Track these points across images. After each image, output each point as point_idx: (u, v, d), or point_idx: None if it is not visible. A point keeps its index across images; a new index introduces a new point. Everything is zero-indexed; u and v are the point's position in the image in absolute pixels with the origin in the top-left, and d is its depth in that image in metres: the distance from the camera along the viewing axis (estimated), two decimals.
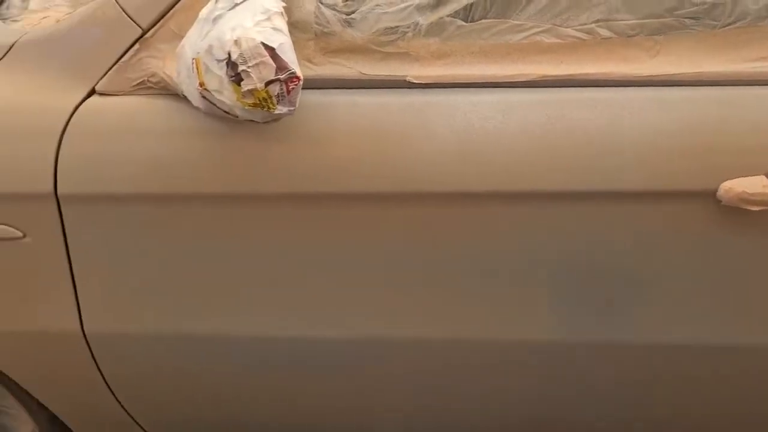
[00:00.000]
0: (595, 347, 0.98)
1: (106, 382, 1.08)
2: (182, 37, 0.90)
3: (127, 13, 0.91)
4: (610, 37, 0.88)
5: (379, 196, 0.90)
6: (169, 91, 0.91)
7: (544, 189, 0.88)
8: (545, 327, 0.97)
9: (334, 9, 0.89)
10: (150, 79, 0.91)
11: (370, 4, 0.88)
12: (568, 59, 0.89)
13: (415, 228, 0.92)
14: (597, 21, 0.88)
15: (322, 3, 0.89)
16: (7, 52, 0.95)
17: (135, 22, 0.91)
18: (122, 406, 1.12)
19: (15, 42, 0.95)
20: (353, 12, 0.89)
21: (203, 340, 1.01)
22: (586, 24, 0.88)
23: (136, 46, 0.91)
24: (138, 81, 0.92)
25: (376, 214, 0.91)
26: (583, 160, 0.87)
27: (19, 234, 0.95)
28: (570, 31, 0.88)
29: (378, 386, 1.06)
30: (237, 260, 0.95)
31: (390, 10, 0.88)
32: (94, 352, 1.04)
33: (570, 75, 0.88)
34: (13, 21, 1.05)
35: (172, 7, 0.90)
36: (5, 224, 0.95)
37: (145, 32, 0.91)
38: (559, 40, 0.89)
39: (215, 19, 0.77)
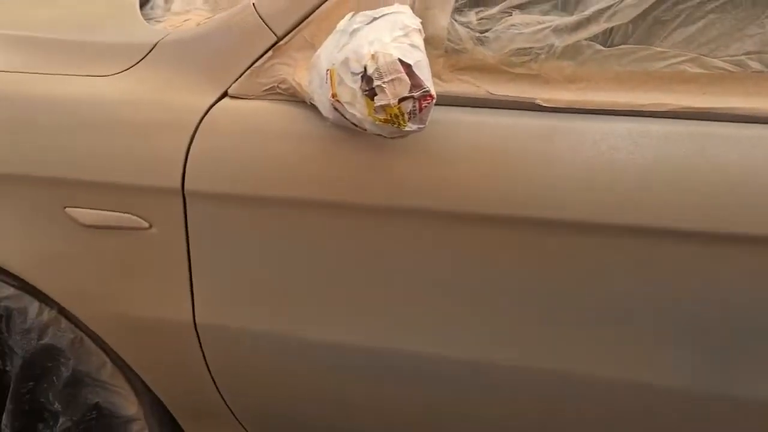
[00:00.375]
0: (714, 398, 0.92)
1: (211, 374, 1.11)
2: (315, 46, 0.92)
3: (263, 20, 0.94)
4: (762, 71, 0.83)
5: (497, 219, 0.88)
6: (298, 99, 0.93)
7: (673, 227, 0.83)
8: (669, 373, 0.91)
9: (468, 26, 0.88)
10: (280, 85, 0.93)
11: (505, 24, 0.87)
12: (712, 91, 0.84)
13: (531, 254, 0.90)
14: (748, 53, 0.83)
15: (456, 20, 0.88)
16: (150, 51, 1.00)
17: (271, 29, 0.93)
18: (222, 398, 1.15)
19: (157, 42, 1.00)
20: (487, 30, 0.88)
21: (309, 343, 1.03)
22: (735, 55, 0.83)
23: (270, 52, 0.93)
24: (268, 86, 0.94)
25: (492, 236, 0.90)
26: (720, 199, 0.82)
27: (146, 225, 1.00)
28: (717, 62, 0.83)
29: (481, 408, 1.04)
30: (349, 269, 0.96)
31: (525, 30, 0.86)
32: (202, 344, 1.08)
33: (713, 108, 0.83)
34: (156, 21, 1.11)
35: (308, 16, 0.92)
36: (133, 214, 1.00)
37: (279, 39, 0.93)
38: (704, 71, 0.84)
39: (353, 32, 0.78)
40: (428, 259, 0.93)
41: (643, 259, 0.86)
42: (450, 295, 0.95)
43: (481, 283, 0.93)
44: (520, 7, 0.87)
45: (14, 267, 1.08)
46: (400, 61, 0.73)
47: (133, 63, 1.00)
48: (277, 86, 0.93)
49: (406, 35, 0.74)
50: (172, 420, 1.24)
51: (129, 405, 1.19)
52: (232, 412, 1.18)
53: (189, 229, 0.99)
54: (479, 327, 0.96)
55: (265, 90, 0.94)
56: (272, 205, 0.94)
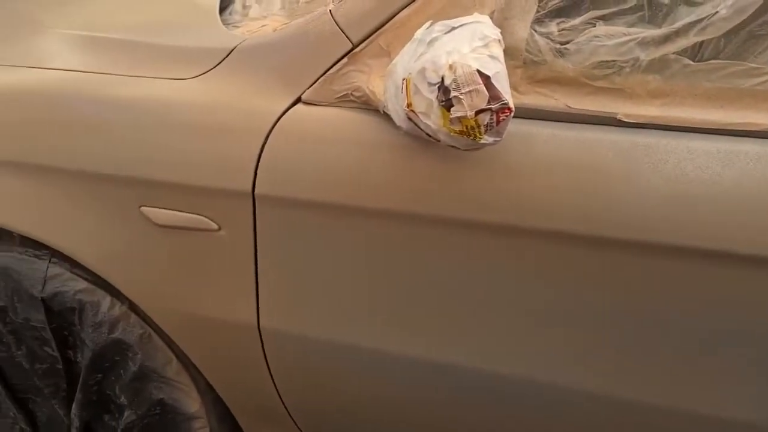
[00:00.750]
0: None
1: (272, 376, 1.12)
2: (390, 54, 0.91)
3: (339, 27, 0.93)
4: None
5: (571, 237, 0.85)
6: (371, 107, 0.92)
7: (765, 255, 0.78)
8: (739, 405, 0.87)
9: (548, 38, 0.85)
10: (354, 92, 0.93)
11: (588, 35, 0.84)
12: None
13: (605, 274, 0.86)
14: None
15: (536, 31, 0.86)
16: (227, 55, 1.01)
17: (346, 36, 0.93)
18: (282, 401, 1.15)
19: (235, 47, 1.01)
20: (568, 42, 0.85)
21: (371, 353, 1.02)
22: None
23: (345, 59, 0.93)
24: (342, 93, 0.94)
25: (566, 254, 0.87)
26: None
27: (215, 226, 1.01)
28: None
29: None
30: (415, 281, 0.95)
31: (609, 42, 0.83)
32: (264, 346, 1.08)
33: None
34: (234, 26, 1.12)
35: (384, 24, 0.91)
36: (204, 216, 1.01)
37: (354, 46, 0.93)
38: None
39: (431, 42, 0.76)
40: (499, 275, 0.90)
41: (730, 288, 0.82)
42: (518, 313, 0.93)
43: (551, 303, 0.90)
44: (604, 19, 0.84)
45: (89, 261, 1.11)
46: (479, 72, 0.71)
47: (211, 67, 1.01)
48: (351, 93, 0.93)
49: (485, 46, 0.73)
50: (232, 419, 1.26)
51: (192, 402, 1.21)
52: (290, 415, 1.18)
53: (257, 233, 1.00)
54: (551, 347, 0.93)
55: (339, 97, 0.94)
56: (341, 212, 0.94)
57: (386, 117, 0.90)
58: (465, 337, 0.96)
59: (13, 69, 1.14)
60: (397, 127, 0.87)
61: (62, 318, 1.19)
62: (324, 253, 0.98)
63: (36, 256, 1.16)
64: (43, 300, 1.17)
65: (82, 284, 1.15)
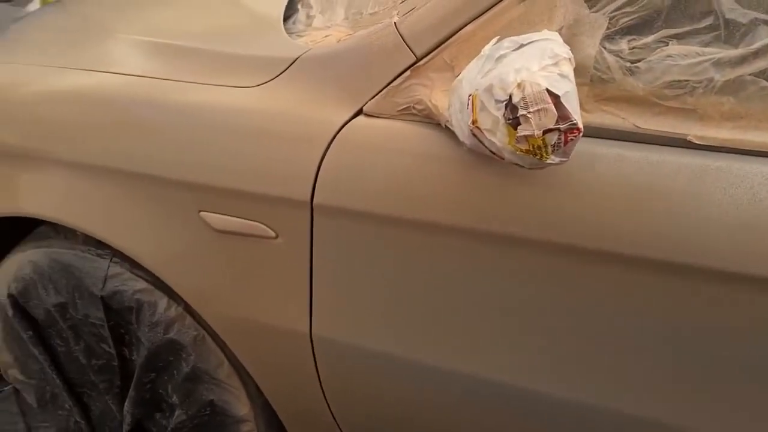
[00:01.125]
0: None
1: (321, 384, 1.12)
2: (454, 69, 0.91)
3: (404, 40, 0.93)
4: None
5: (636, 261, 0.83)
6: (432, 120, 0.92)
7: None
8: None
9: (618, 56, 0.83)
10: (416, 106, 0.93)
11: (660, 54, 0.82)
12: None
13: (669, 299, 0.84)
14: None
15: (605, 48, 0.84)
16: (291, 65, 1.02)
17: (410, 49, 0.93)
18: (330, 409, 1.16)
19: (298, 57, 1.02)
20: (639, 60, 0.83)
21: (422, 368, 1.01)
22: None
23: (408, 72, 0.93)
24: (404, 106, 0.94)
25: (629, 279, 0.84)
26: None
27: (272, 234, 1.02)
28: None
29: None
30: (471, 297, 0.94)
31: (682, 62, 0.81)
32: (316, 355, 1.09)
33: None
34: (297, 36, 1.14)
35: (449, 38, 0.91)
36: (262, 223, 1.03)
37: (418, 60, 0.93)
38: None
39: (499, 59, 0.75)
40: (560, 296, 0.89)
41: None
42: (574, 336, 0.91)
43: (610, 327, 0.87)
44: (677, 38, 0.82)
45: (148, 262, 1.14)
46: (548, 91, 0.70)
47: (274, 76, 1.02)
48: (413, 107, 0.93)
49: (555, 64, 0.71)
50: (280, 425, 1.27)
51: (241, 406, 1.23)
52: (337, 424, 1.18)
53: (314, 242, 1.01)
54: (603, 372, 0.90)
55: (401, 110, 0.94)
56: (399, 225, 0.94)
57: (448, 131, 0.89)
58: (524, 356, 0.95)
59: (83, 72, 1.18)
60: (460, 143, 0.86)
61: (120, 316, 1.22)
62: (380, 264, 0.98)
63: (98, 255, 1.20)
64: (102, 298, 1.20)
65: (141, 284, 1.18)
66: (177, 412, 1.26)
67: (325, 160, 0.96)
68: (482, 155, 0.84)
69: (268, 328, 1.11)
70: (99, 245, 1.20)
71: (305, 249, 1.02)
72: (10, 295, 1.30)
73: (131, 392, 1.28)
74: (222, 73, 1.08)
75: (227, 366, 1.21)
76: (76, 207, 1.16)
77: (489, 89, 0.74)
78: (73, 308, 1.25)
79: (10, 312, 1.31)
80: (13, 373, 1.42)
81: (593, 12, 0.84)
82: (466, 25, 0.90)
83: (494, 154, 0.78)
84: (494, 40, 0.81)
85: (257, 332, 1.12)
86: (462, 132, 0.82)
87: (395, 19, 0.96)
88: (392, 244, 0.96)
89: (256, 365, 1.18)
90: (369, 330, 1.03)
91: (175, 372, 1.23)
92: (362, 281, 1.00)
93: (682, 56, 0.81)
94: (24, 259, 1.27)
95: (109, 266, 1.19)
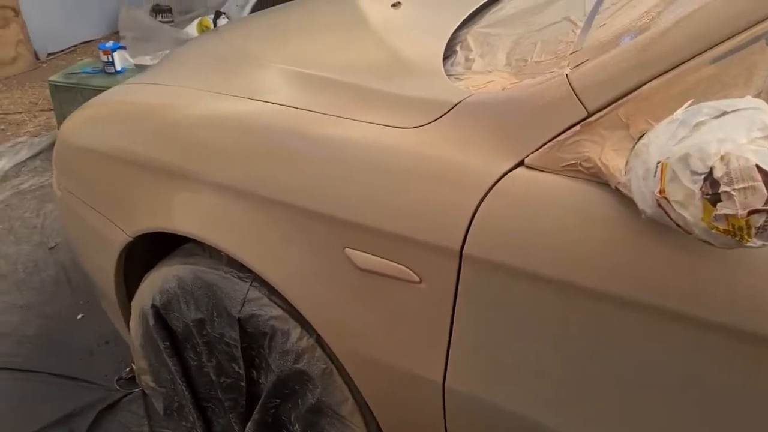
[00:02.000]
0: None
1: None
2: (629, 128, 0.85)
3: (575, 93, 0.89)
4: None
5: None
6: (600, 180, 0.87)
7: None
8: None
9: None
10: (583, 163, 0.88)
11: None
12: None
13: None
14: None
15: None
16: (451, 108, 1.00)
17: (582, 103, 0.88)
18: None
19: (460, 101, 1.00)
20: None
21: None
22: None
23: (577, 127, 0.88)
24: (570, 162, 0.89)
25: None
26: None
27: (416, 278, 1.00)
28: None
29: None
30: (625, 371, 0.88)
31: None
32: (446, 407, 1.05)
33: None
34: (457, 78, 1.12)
35: (626, 94, 0.86)
36: (406, 266, 1.01)
37: (589, 115, 0.88)
38: None
39: (697, 125, 0.69)
40: (730, 380, 0.81)
41: None
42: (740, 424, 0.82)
43: None
44: None
45: (286, 291, 1.15)
46: (758, 167, 0.63)
47: (433, 119, 1.01)
48: (580, 164, 0.88)
49: (765, 137, 0.65)
50: None
51: None
52: None
53: (459, 292, 0.97)
54: None
55: (566, 165, 0.89)
56: (554, 287, 0.89)
57: (618, 193, 0.84)
58: None
59: (236, 99, 1.22)
60: (629, 205, 0.80)
61: (254, 339, 1.24)
62: (528, 324, 0.93)
63: (240, 277, 1.23)
64: (239, 320, 1.23)
65: (276, 311, 1.19)
66: None
67: (480, 209, 0.93)
68: (658, 224, 0.77)
69: (400, 372, 1.08)
70: (242, 268, 1.22)
71: (449, 297, 0.99)
72: (153, 306, 1.36)
73: (255, 414, 1.30)
74: (378, 111, 1.07)
75: (351, 403, 1.20)
76: (224, 229, 1.20)
77: (684, 159, 0.68)
78: (210, 325, 1.29)
79: (151, 321, 1.37)
80: (146, 379, 1.48)
81: None
82: (646, 83, 0.84)
83: (680, 227, 0.72)
84: (688, 103, 0.75)
85: (388, 374, 1.10)
86: (643, 200, 0.76)
87: (567, 70, 0.92)
88: (544, 305, 0.91)
89: (381, 407, 1.16)
90: (507, 390, 0.98)
91: (299, 401, 1.23)
92: (505, 338, 0.96)
93: None
94: (170, 273, 1.32)
95: (248, 290, 1.21)
